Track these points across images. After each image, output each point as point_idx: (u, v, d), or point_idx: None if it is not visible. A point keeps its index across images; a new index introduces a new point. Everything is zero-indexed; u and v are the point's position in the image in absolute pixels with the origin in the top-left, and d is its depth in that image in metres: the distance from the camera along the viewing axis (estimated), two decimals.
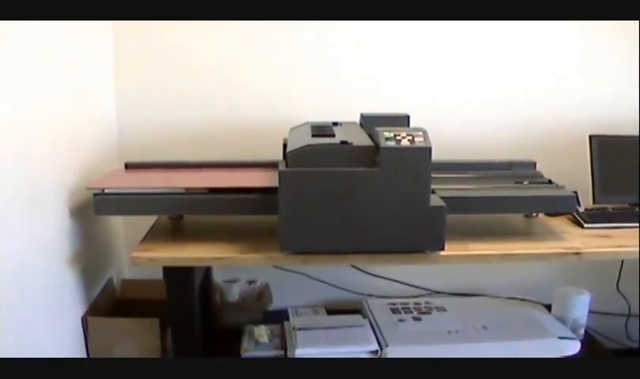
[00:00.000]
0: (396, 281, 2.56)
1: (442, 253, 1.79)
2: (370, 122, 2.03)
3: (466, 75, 2.49)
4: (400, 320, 2.33)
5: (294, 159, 1.73)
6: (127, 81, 2.40)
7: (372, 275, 2.51)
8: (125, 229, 2.50)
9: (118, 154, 2.40)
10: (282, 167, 1.74)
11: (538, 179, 2.13)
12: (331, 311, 2.53)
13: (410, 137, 1.72)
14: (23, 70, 1.66)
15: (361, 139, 1.85)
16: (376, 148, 1.73)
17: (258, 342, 2.20)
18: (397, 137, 1.72)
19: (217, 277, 2.46)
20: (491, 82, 2.50)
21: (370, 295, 2.56)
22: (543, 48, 2.48)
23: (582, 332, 2.34)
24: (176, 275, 1.84)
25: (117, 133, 2.42)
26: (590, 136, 2.30)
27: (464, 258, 1.85)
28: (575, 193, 1.97)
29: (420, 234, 1.76)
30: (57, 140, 1.88)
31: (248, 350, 2.16)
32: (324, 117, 2.21)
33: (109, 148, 2.35)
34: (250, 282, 2.53)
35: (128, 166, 2.16)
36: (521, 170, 2.21)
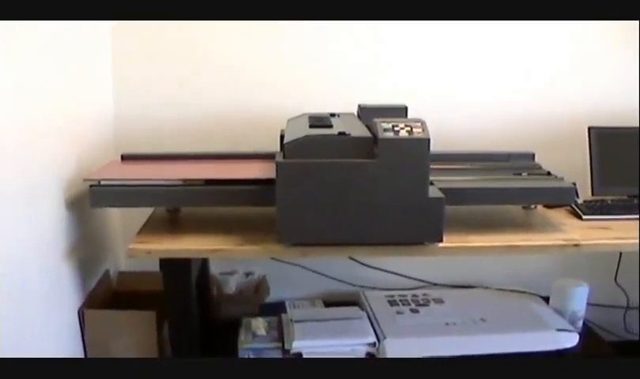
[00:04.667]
0: (393, 273, 2.54)
1: (441, 244, 1.78)
2: (367, 113, 2.02)
3: (464, 66, 2.48)
4: (398, 313, 2.33)
5: (291, 150, 1.72)
6: (125, 73, 2.38)
7: (369, 266, 2.50)
8: (121, 221, 2.48)
9: (115, 146, 2.38)
10: (279, 159, 1.73)
11: (537, 171, 2.12)
12: (328, 303, 2.52)
13: (408, 128, 1.72)
14: (20, 63, 1.65)
15: (359, 130, 1.84)
16: (374, 139, 1.72)
17: (256, 334, 2.19)
18: (396, 128, 1.71)
19: (214, 270, 2.45)
20: (490, 73, 2.49)
21: (367, 287, 2.55)
22: (541, 40, 2.47)
23: (580, 324, 2.33)
24: (173, 267, 1.83)
25: (114, 125, 2.41)
26: (589, 128, 2.29)
27: (463, 250, 1.85)
28: (574, 184, 1.96)
29: (419, 226, 1.75)
30: (53, 132, 1.86)
31: (245, 343, 2.15)
32: (321, 108, 2.20)
33: (106, 140, 2.34)
34: (247, 274, 2.52)
35: (124, 158, 2.14)
36: (520, 162, 2.20)
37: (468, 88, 2.49)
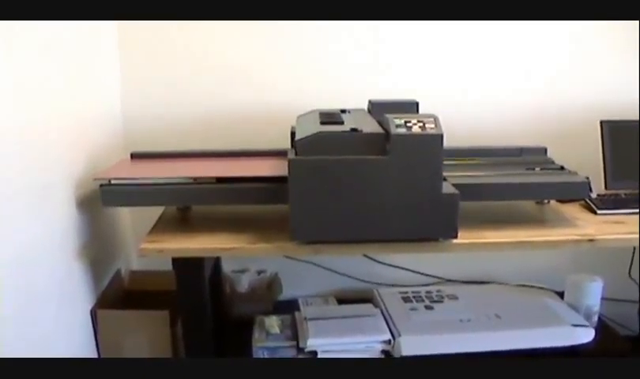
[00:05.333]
0: (407, 269, 2.53)
1: (455, 241, 1.77)
2: (378, 109, 2.00)
3: (475, 61, 2.46)
4: (412, 309, 2.31)
5: (303, 147, 1.70)
6: (133, 71, 2.37)
7: (382, 263, 2.48)
8: (132, 219, 2.47)
9: (124, 144, 2.37)
10: (292, 156, 1.71)
11: (550, 165, 2.10)
12: (341, 300, 2.51)
13: (421, 124, 1.70)
14: (28, 63, 1.64)
15: (371, 126, 1.83)
16: (386, 135, 1.71)
17: (270, 333, 2.18)
18: (408, 124, 1.70)
19: (226, 268, 2.44)
20: (501, 68, 2.47)
21: (380, 284, 2.54)
22: (553, 33, 2.45)
23: (596, 319, 2.32)
24: (186, 266, 1.82)
25: (123, 124, 2.40)
26: (601, 122, 2.27)
27: (477, 246, 1.83)
28: (587, 178, 1.94)
29: (433, 222, 1.74)
30: (63, 132, 1.85)
31: (260, 342, 2.13)
32: (330, 104, 2.19)
33: (115, 139, 2.33)
34: (260, 272, 2.51)
35: (134, 157, 2.14)
36: (532, 157, 2.19)
37: (478, 83, 2.47)
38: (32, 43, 1.66)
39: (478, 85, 2.48)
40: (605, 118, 2.29)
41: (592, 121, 2.31)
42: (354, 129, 1.73)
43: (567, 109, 2.50)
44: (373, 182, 1.69)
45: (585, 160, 2.17)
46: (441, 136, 1.67)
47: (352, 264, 2.52)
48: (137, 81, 2.38)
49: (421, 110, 2.00)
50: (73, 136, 1.93)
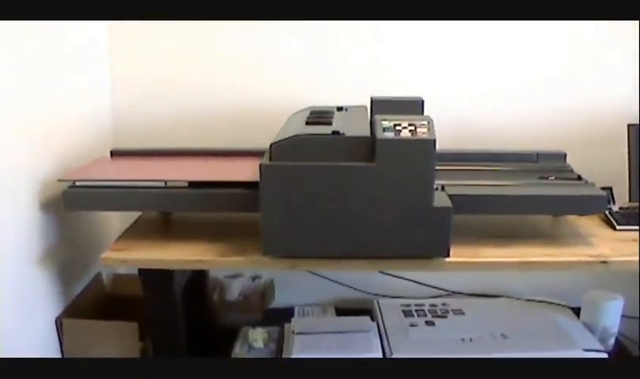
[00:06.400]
0: (410, 281, 2.34)
1: (448, 259, 1.60)
2: (380, 107, 1.83)
3: (489, 56, 2.29)
4: (412, 325, 2.15)
5: (278, 151, 1.54)
6: (123, 69, 2.27)
7: (386, 274, 2.31)
8: (119, 219, 2.32)
9: (114, 141, 2.28)
10: (265, 161, 1.55)
11: (566, 174, 1.90)
12: (341, 310, 2.37)
13: (412, 127, 1.53)
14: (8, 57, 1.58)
15: (360, 128, 1.66)
16: (373, 139, 1.53)
17: (252, 347, 2.05)
18: (397, 127, 1.53)
19: (219, 273, 2.33)
20: (517, 64, 2.29)
21: (383, 296, 2.38)
22: (574, 30, 2.26)
23: (612, 341, 2.14)
24: (153, 277, 1.69)
25: (112, 120, 2.30)
26: (629, 126, 2.08)
27: (472, 266, 1.66)
28: (610, 189, 1.75)
29: (423, 238, 1.57)
30: (43, 131, 1.79)
31: (239, 356, 2.00)
32: (338, 101, 2.05)
33: (104, 136, 2.24)
34: (254, 278, 2.38)
35: (114, 154, 2.01)
36: (550, 163, 1.99)
37: (492, 80, 2.30)
38: (13, 36, 1.60)
39: (480, 83, 2.31)
40: (633, 121, 2.10)
41: (619, 125, 2.13)
42: (336, 132, 1.56)
43: (591, 110, 2.31)
44: (355, 192, 1.53)
45: (610, 168, 2.01)
46: (433, 142, 1.50)
47: (354, 273, 2.37)
48: (129, 76, 2.28)
49: (428, 109, 1.82)
50: (54, 134, 1.86)
